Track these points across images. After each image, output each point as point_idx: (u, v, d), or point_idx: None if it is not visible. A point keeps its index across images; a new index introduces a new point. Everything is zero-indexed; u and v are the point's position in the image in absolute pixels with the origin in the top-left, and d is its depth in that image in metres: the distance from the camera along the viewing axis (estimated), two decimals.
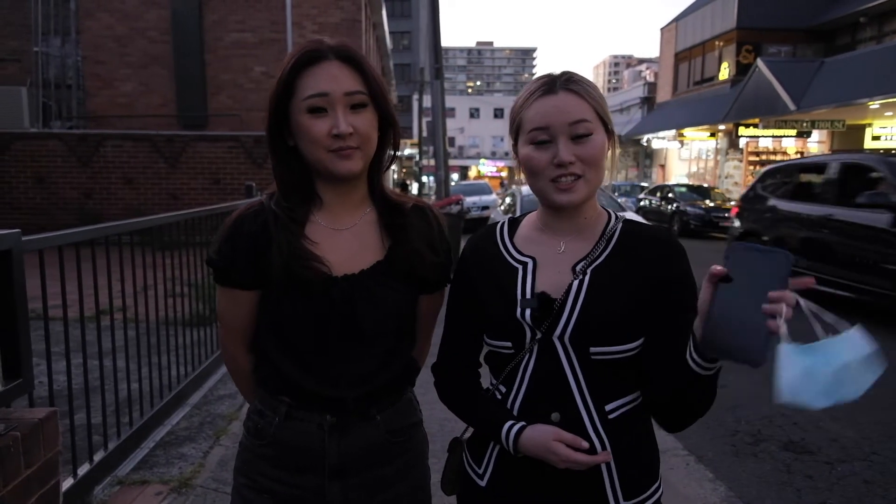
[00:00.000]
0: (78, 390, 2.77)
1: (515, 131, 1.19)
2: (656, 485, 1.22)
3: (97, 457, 2.85)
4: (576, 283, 1.15)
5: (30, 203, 11.45)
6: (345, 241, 1.22)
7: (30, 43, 13.75)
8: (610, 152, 1.19)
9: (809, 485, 3.23)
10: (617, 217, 1.24)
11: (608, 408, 1.15)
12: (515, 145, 1.20)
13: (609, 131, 1.17)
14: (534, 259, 1.20)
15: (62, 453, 2.00)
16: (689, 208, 16.96)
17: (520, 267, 1.20)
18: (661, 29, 31.59)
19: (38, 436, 1.79)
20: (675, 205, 17.57)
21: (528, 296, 1.16)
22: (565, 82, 1.15)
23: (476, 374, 1.30)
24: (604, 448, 1.13)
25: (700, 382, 1.03)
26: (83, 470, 2.72)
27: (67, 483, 2.59)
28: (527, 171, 1.18)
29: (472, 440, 1.29)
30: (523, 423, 1.14)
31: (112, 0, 13.76)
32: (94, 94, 13.92)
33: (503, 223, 1.31)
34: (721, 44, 25.36)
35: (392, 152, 1.28)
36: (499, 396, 1.22)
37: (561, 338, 1.13)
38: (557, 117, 1.12)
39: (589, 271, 1.16)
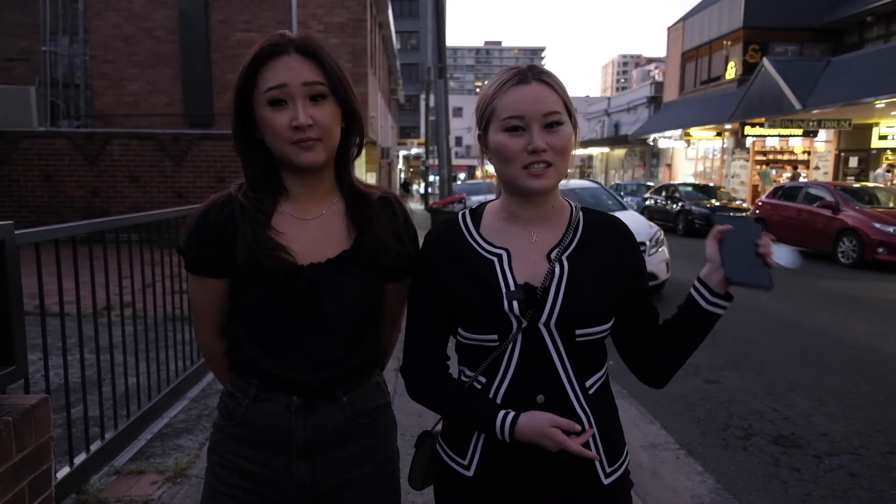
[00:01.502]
0: (77, 384, 2.83)
1: (486, 120, 1.21)
2: (626, 448, 1.30)
3: (94, 447, 2.91)
4: (556, 270, 1.19)
5: (37, 201, 11.56)
6: (311, 231, 1.25)
7: (38, 42, 13.88)
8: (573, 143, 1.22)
9: (796, 477, 3.27)
10: (576, 206, 1.30)
11: (587, 384, 1.22)
12: (483, 135, 1.23)
13: (573, 123, 1.22)
14: (507, 250, 1.23)
15: (56, 441, 2.06)
16: (694, 207, 16.93)
17: (494, 259, 1.22)
18: (668, 28, 31.49)
19: (30, 421, 1.84)
20: (680, 204, 17.55)
21: (512, 287, 1.18)
22: (538, 74, 1.19)
23: (447, 368, 1.31)
24: (590, 423, 1.20)
25: (709, 323, 1.21)
26: (80, 459, 2.78)
27: (64, 471, 2.65)
28: (498, 158, 1.19)
29: (449, 432, 1.29)
30: (514, 411, 1.17)
31: (120, 0, 13.90)
32: (101, 94, 14.06)
33: (463, 214, 1.33)
34: (728, 43, 25.25)
35: (357, 144, 1.31)
36: (478, 387, 1.23)
37: (547, 324, 1.17)
38: (532, 106, 1.15)
39: (565, 259, 1.21)
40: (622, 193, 21.07)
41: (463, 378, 1.27)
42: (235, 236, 1.21)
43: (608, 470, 1.22)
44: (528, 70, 1.20)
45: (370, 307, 1.29)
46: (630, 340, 1.28)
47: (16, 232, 1.97)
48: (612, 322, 1.22)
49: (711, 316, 1.19)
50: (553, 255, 1.21)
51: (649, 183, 26.59)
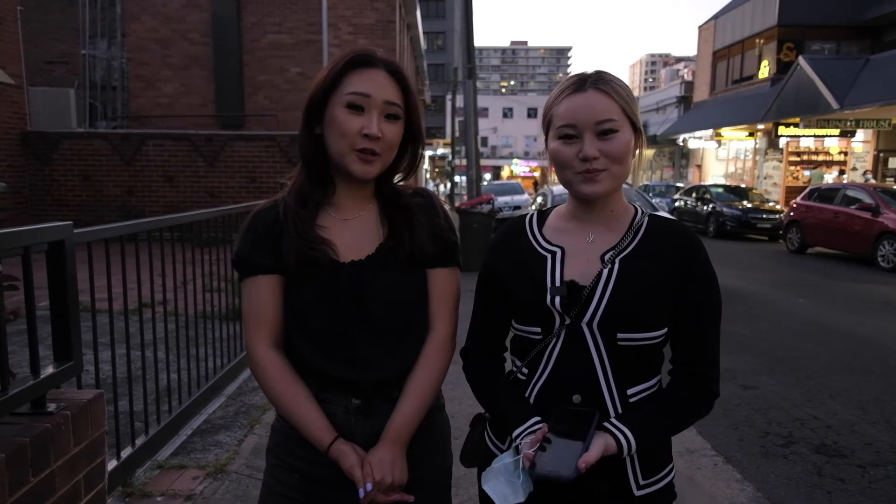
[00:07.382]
0: (121, 379, 2.90)
1: (547, 126, 1.25)
2: (670, 465, 1.28)
3: (139, 441, 2.98)
4: (605, 271, 1.20)
5: (76, 200, 11.89)
6: (351, 230, 1.30)
7: (78, 46, 14.26)
8: (638, 151, 1.23)
9: (840, 487, 3.19)
10: (643, 212, 1.29)
11: (630, 392, 1.21)
12: (547, 139, 1.26)
13: (637, 129, 1.22)
14: (562, 248, 1.25)
15: (108, 435, 2.12)
16: (725, 209, 16.65)
17: (549, 256, 1.25)
18: (700, 27, 31.02)
19: (87, 415, 1.90)
20: (711, 205, 17.27)
21: (558, 284, 1.21)
22: (595, 81, 1.19)
23: (501, 359, 1.36)
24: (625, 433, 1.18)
25: None
26: (126, 453, 2.85)
27: (111, 465, 2.72)
28: (555, 164, 1.24)
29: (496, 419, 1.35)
30: (531, 431, 1.17)
31: (155, 3, 14.19)
32: (137, 95, 14.37)
33: (532, 214, 1.36)
34: (761, 41, 24.79)
35: (405, 165, 1.36)
36: (522, 378, 1.27)
37: (589, 324, 1.18)
38: (584, 115, 1.17)
39: (617, 261, 1.21)
40: (651, 195, 20.81)
41: (513, 367, 1.32)
42: (282, 234, 1.26)
43: (641, 482, 1.21)
44: (589, 77, 1.21)
45: (414, 300, 1.31)
46: (676, 355, 1.24)
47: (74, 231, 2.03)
48: (660, 332, 1.20)
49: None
50: (607, 257, 1.22)
51: (679, 184, 26.22)
